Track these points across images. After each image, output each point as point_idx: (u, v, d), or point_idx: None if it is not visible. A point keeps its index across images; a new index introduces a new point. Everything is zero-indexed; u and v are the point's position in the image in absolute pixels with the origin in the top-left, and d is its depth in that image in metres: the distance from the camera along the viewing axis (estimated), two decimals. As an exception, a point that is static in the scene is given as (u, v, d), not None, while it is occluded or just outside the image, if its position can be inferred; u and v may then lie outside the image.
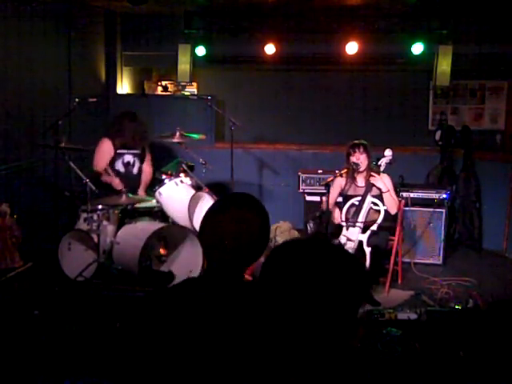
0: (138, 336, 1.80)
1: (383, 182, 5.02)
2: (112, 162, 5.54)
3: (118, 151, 5.55)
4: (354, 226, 4.95)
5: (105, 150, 5.51)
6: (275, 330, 1.18)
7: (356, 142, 5.11)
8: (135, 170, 5.66)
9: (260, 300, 1.23)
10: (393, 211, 5.03)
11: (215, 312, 1.71)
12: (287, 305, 1.16)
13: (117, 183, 5.40)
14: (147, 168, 5.79)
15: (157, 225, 5.04)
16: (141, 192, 5.67)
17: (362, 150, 5.03)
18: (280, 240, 6.02)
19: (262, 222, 1.89)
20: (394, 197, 5.10)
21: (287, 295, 1.17)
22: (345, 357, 1.19)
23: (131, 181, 5.55)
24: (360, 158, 5.03)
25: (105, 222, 4.98)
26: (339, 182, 5.17)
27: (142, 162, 5.70)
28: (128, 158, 5.60)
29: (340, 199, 5.25)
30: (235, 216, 1.86)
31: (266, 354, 1.20)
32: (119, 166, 5.57)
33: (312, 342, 1.15)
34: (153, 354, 1.71)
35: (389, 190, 5.00)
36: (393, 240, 5.25)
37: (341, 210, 5.07)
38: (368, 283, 1.28)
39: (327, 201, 4.88)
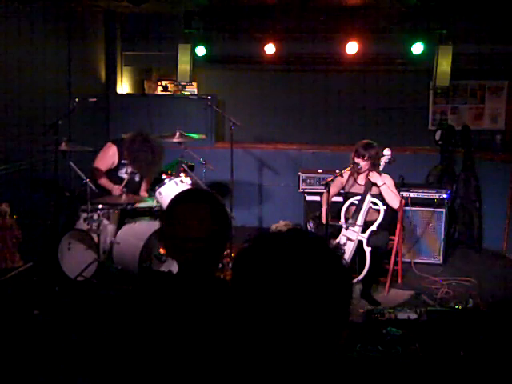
0: (117, 336, 1.81)
1: (379, 176, 4.99)
2: (115, 170, 5.43)
3: (123, 161, 5.43)
4: (353, 226, 4.95)
5: (110, 155, 5.35)
6: (250, 327, 1.14)
7: (366, 144, 5.00)
8: (137, 177, 5.61)
9: (233, 297, 1.18)
10: (394, 204, 4.98)
11: (186, 312, 1.71)
12: (260, 301, 1.11)
13: (116, 189, 5.20)
14: None
15: (157, 224, 5.03)
16: (142, 193, 5.65)
17: (366, 157, 4.95)
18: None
19: (215, 217, 1.85)
20: (394, 190, 5.06)
21: (260, 290, 1.11)
22: (328, 357, 1.15)
23: (133, 186, 5.53)
24: (362, 162, 4.99)
25: (105, 222, 4.99)
26: (340, 180, 5.16)
27: None
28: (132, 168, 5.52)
29: (340, 199, 5.25)
30: (185, 215, 1.83)
31: (243, 353, 1.16)
32: (122, 174, 5.48)
33: (290, 341, 1.12)
34: (129, 353, 1.72)
35: (384, 183, 4.98)
36: (393, 240, 5.24)
37: (328, 210, 5.03)
38: (349, 280, 1.16)
39: (327, 197, 4.87)
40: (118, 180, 5.41)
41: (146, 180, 5.71)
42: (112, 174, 5.44)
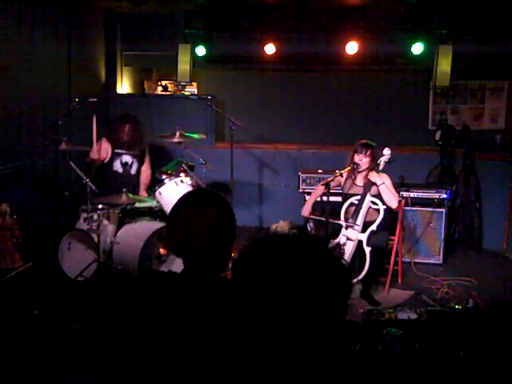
0: (121, 335, 1.81)
1: (379, 176, 4.99)
2: (110, 162, 5.53)
3: (117, 151, 5.55)
4: (353, 226, 4.95)
5: (102, 147, 5.52)
6: (250, 327, 1.15)
7: (365, 143, 5.04)
8: (133, 171, 5.65)
9: (234, 296, 1.20)
10: (393, 204, 4.98)
11: (191, 311, 1.72)
12: (260, 301, 1.13)
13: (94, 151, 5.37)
14: (146, 170, 5.78)
15: (157, 224, 5.04)
16: (142, 193, 5.68)
17: (368, 153, 4.99)
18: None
19: (218, 219, 1.88)
20: (393, 190, 5.06)
21: (260, 291, 1.13)
22: (322, 358, 1.16)
23: (129, 180, 5.56)
24: (362, 160, 5.00)
25: (105, 222, 4.99)
26: (338, 180, 5.16)
27: (140, 163, 5.69)
28: (126, 158, 5.58)
29: (339, 198, 5.25)
30: (189, 216, 1.86)
31: (243, 351, 1.17)
32: (117, 167, 5.56)
33: (287, 340, 1.13)
34: (133, 352, 1.73)
35: (384, 183, 4.97)
36: (393, 240, 5.24)
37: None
38: (348, 282, 1.21)
39: (316, 194, 4.91)
40: (113, 175, 5.49)
41: (144, 177, 5.75)
42: (107, 168, 5.52)
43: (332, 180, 4.95)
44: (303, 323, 1.11)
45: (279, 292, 1.11)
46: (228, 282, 1.89)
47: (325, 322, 1.13)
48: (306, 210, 5.21)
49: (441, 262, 6.00)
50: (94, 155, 5.43)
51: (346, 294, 1.18)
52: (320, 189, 5.23)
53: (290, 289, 1.12)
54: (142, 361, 1.69)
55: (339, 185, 5.22)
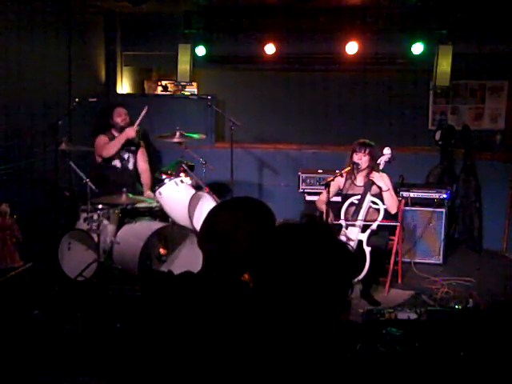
0: (136, 334, 1.82)
1: (383, 180, 5.00)
2: (109, 158, 5.61)
3: None
4: (353, 225, 4.94)
5: (102, 142, 5.65)
6: (268, 317, 1.19)
7: (364, 142, 5.05)
8: (131, 165, 5.76)
9: (254, 286, 1.25)
10: (393, 210, 5.00)
11: (211, 309, 1.72)
12: (280, 288, 1.18)
13: (129, 130, 5.57)
14: (144, 165, 5.84)
15: (157, 224, 5.04)
16: (147, 194, 5.70)
17: (366, 152, 5.00)
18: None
19: (258, 230, 1.87)
20: (394, 196, 5.08)
21: (279, 278, 1.19)
22: (332, 343, 1.21)
23: (128, 176, 5.65)
24: (362, 159, 5.01)
25: (105, 222, 4.99)
26: (338, 181, 5.15)
27: (135, 157, 5.79)
28: (123, 153, 5.68)
29: (339, 198, 5.24)
30: (233, 220, 1.87)
31: (260, 342, 1.21)
32: (116, 162, 5.66)
33: (302, 323, 1.18)
34: (149, 351, 1.73)
35: (389, 189, 4.99)
36: (393, 240, 5.24)
37: (333, 210, 5.02)
38: (355, 266, 1.39)
39: (327, 197, 4.88)
40: (112, 170, 5.55)
41: (145, 177, 5.79)
42: (105, 164, 5.58)
43: (332, 180, 4.95)
44: (319, 306, 1.16)
45: (300, 272, 1.19)
46: (242, 283, 1.90)
47: (334, 301, 1.20)
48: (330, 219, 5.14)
49: (441, 261, 6.00)
50: (103, 150, 5.61)
51: (352, 274, 1.30)
52: (324, 193, 5.18)
53: (309, 270, 1.19)
54: (160, 361, 1.69)
55: (339, 188, 5.20)
